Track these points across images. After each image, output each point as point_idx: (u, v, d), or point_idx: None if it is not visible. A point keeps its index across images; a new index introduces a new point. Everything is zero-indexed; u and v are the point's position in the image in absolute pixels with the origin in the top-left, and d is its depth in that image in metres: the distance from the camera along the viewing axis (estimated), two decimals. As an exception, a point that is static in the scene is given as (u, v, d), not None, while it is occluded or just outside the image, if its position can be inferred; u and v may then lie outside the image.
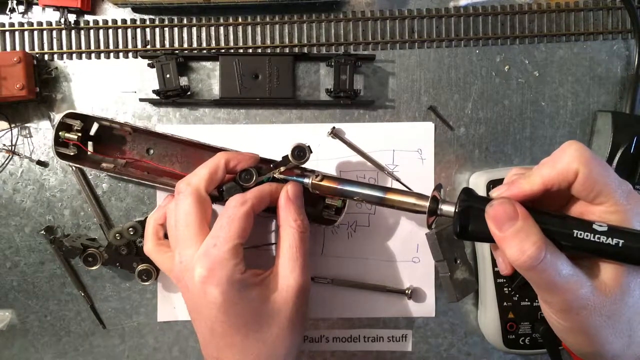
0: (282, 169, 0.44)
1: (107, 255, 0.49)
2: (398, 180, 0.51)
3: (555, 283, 0.30)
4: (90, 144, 0.48)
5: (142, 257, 0.49)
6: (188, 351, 0.52)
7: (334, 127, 0.50)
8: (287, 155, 0.43)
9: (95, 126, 0.48)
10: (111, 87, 0.50)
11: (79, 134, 0.46)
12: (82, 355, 0.52)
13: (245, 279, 0.39)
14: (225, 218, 0.40)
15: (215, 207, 0.48)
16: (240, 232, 0.39)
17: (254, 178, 0.43)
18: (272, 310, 0.40)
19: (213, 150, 0.48)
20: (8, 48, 0.50)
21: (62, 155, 0.47)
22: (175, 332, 0.52)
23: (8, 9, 0.49)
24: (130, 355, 0.52)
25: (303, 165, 0.44)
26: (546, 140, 0.52)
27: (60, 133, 0.46)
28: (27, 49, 0.50)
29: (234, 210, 0.40)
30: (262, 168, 0.44)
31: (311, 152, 0.43)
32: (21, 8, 0.50)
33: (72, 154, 0.47)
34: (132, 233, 0.48)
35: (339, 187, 0.42)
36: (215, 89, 0.51)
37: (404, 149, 0.51)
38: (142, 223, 0.48)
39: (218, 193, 0.44)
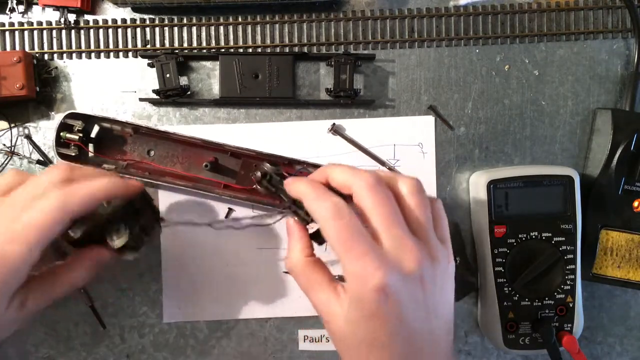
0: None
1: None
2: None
3: None
4: (91, 145, 0.48)
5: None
6: (188, 351, 0.52)
7: (334, 124, 0.50)
8: None
9: (96, 128, 0.48)
10: (111, 86, 0.50)
11: (80, 135, 0.46)
12: (83, 355, 0.52)
13: None
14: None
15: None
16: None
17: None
18: None
19: (214, 148, 0.48)
20: (8, 48, 0.50)
21: (63, 156, 0.47)
22: (176, 332, 0.52)
23: (8, 9, 0.49)
24: (131, 355, 0.52)
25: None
26: (546, 139, 0.52)
27: (61, 133, 0.46)
28: (27, 49, 0.50)
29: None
30: (278, 167, 0.43)
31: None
32: (21, 8, 0.50)
33: (73, 154, 0.47)
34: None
35: None
36: (215, 88, 0.51)
37: (404, 144, 0.51)
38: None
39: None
